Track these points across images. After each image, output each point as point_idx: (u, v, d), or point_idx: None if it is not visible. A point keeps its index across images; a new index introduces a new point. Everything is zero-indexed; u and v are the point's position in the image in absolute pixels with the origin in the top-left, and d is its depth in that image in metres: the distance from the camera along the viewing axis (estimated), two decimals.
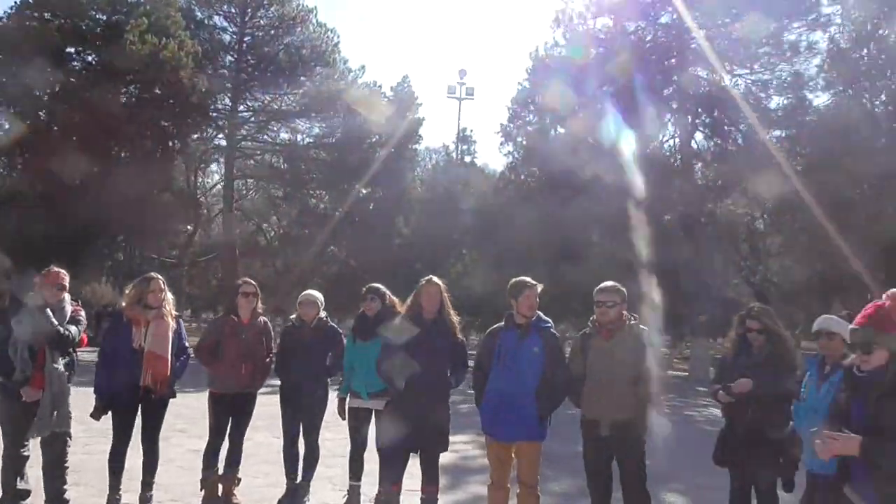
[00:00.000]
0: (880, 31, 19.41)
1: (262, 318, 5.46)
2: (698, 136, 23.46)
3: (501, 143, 26.69)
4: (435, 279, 4.79)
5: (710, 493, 5.51)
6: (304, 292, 5.71)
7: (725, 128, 22.15)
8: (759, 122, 20.07)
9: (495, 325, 4.67)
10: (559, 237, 20.84)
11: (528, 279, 4.58)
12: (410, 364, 4.57)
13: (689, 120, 22.66)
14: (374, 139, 29.17)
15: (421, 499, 4.64)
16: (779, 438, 4.38)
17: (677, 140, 23.08)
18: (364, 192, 28.08)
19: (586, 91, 23.09)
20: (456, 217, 26.25)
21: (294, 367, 5.34)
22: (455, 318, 4.76)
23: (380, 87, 30.84)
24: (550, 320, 4.58)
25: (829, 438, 2.81)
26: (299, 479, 5.43)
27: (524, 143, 26.29)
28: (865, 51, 19.49)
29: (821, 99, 20.61)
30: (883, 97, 18.85)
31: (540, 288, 4.53)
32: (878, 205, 18.05)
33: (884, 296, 3.09)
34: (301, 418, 5.42)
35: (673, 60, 23.10)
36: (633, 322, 4.37)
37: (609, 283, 4.46)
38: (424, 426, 4.48)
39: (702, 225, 21.77)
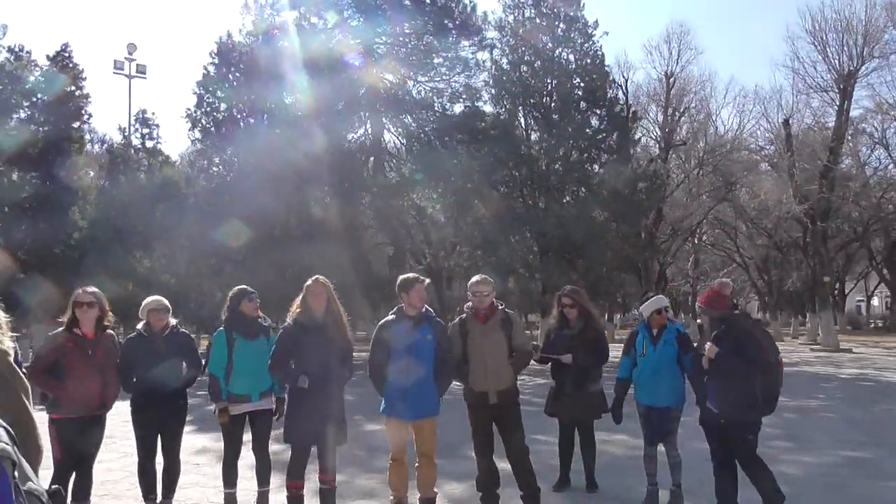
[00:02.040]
0: (527, 58, 23.74)
1: (109, 332, 4.93)
2: (388, 135, 25.55)
3: (190, 129, 25.25)
4: (321, 278, 5.00)
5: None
6: (153, 298, 5.28)
7: (412, 128, 24.57)
8: (443, 126, 22.95)
9: (386, 318, 5.11)
10: (256, 228, 20.88)
11: (417, 275, 5.12)
12: (307, 362, 4.77)
13: (380, 119, 24.60)
14: (23, 114, 24.97)
15: (320, 489, 4.86)
16: (597, 390, 5.82)
17: (369, 137, 24.77)
18: (16, 176, 23.87)
19: (275, 82, 23.34)
20: (142, 206, 24.00)
21: (148, 381, 4.97)
22: (344, 314, 5.05)
23: (28, 53, 26.47)
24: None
25: (709, 351, 4.66)
26: (159, 499, 5.08)
27: (212, 129, 25.32)
28: (518, 73, 23.57)
29: (488, 108, 24.30)
30: (534, 113, 23.09)
31: (427, 282, 5.12)
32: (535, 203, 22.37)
33: (716, 282, 5.18)
34: (159, 433, 5.07)
35: (358, 63, 24.72)
36: (501, 307, 5.25)
37: (482, 276, 5.27)
38: (323, 420, 4.73)
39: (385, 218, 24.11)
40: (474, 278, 5.28)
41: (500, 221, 22.28)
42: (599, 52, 23.55)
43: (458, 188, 22.40)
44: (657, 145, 30.66)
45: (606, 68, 23.77)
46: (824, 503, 5.38)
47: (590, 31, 23.52)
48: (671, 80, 30.55)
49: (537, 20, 23.82)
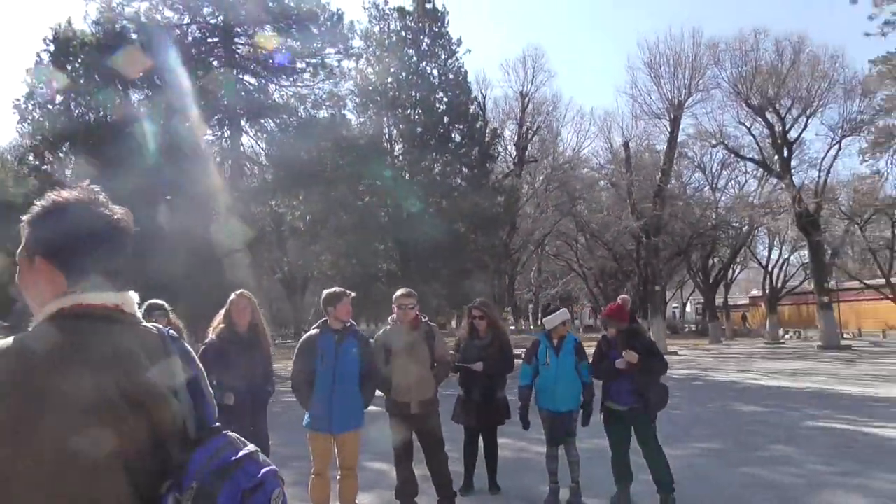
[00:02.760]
0: (392, 70, 24.10)
1: None
2: (246, 139, 24.71)
3: (19, 122, 22.84)
4: (245, 293, 4.92)
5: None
6: None
7: (272, 133, 23.97)
8: (307, 132, 22.60)
9: (310, 332, 5.10)
10: None
11: (343, 289, 5.17)
12: (232, 378, 4.68)
13: (239, 123, 23.74)
14: None
15: None
16: (502, 397, 6.18)
17: (227, 141, 23.82)
18: None
19: (119, 77, 21.81)
20: None
21: None
22: (267, 329, 4.99)
23: None
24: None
25: (629, 356, 5.34)
26: None
27: (46, 124, 23.07)
28: (383, 84, 23.86)
29: (353, 117, 24.34)
30: (400, 125, 23.49)
31: (353, 295, 5.19)
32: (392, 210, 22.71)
33: (619, 298, 5.89)
34: None
35: (217, 62, 23.72)
36: (424, 319, 5.43)
37: (407, 289, 5.42)
38: (250, 438, 4.65)
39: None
40: (399, 291, 5.44)
41: (364, 230, 22.39)
42: (462, 69, 24.49)
43: (321, 195, 22.20)
44: (512, 161, 32.31)
45: (468, 85, 24.71)
46: (697, 490, 6.10)
47: (453, 48, 24.38)
48: (526, 99, 32.41)
49: (402, 33, 24.29)
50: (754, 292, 61.27)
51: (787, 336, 42.27)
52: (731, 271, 46.58)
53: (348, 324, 5.09)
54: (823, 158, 30.17)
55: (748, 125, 30.03)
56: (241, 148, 24.65)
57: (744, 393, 13.74)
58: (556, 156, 33.97)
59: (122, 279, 1.42)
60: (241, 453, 1.32)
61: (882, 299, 40.11)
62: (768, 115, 28.79)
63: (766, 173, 33.52)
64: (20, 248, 1.39)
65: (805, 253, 39.91)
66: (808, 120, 29.05)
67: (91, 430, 1.17)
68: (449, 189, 23.26)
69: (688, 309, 67.77)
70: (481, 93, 29.82)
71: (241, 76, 23.89)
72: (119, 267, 1.42)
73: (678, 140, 30.26)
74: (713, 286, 43.35)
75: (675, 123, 29.13)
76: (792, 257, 44.60)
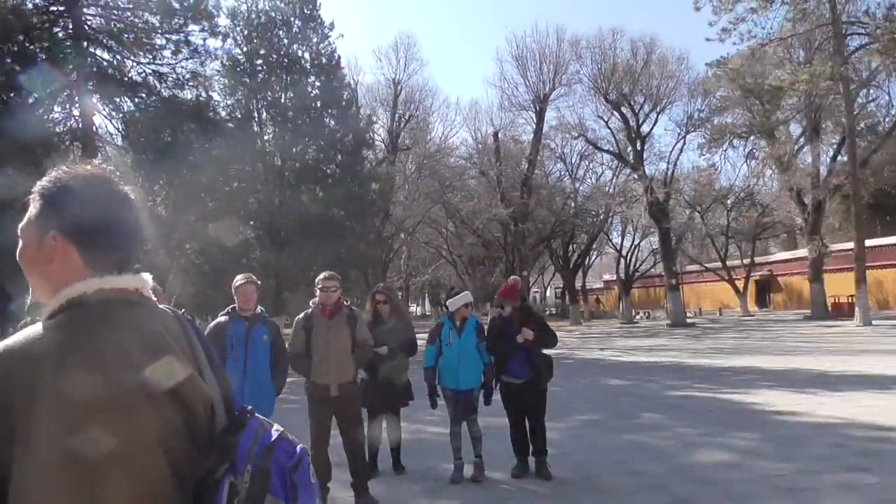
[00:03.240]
0: (262, 52, 23.25)
1: None
2: (100, 119, 22.83)
3: None
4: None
5: None
6: None
7: (129, 113, 22.32)
8: (167, 114, 21.25)
9: (219, 320, 4.92)
10: None
11: (248, 276, 5.02)
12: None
13: (90, 100, 21.87)
14: None
15: None
16: (405, 380, 6.29)
17: (78, 121, 21.88)
18: None
19: None
20: None
21: None
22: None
23: None
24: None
25: (526, 334, 5.67)
26: None
27: None
28: (252, 65, 22.96)
29: (219, 98, 23.19)
30: (271, 109, 22.72)
31: (256, 283, 5.05)
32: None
33: (511, 279, 6.28)
34: None
35: (63, 34, 21.71)
36: (347, 303, 5.41)
37: (330, 273, 5.39)
38: None
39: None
40: (322, 274, 5.41)
41: (235, 217, 21.53)
42: (335, 54, 24.09)
43: (186, 181, 21.03)
44: (385, 148, 32.31)
45: (342, 70, 24.36)
46: (587, 456, 6.55)
47: (326, 32, 23.91)
48: (399, 87, 32.49)
49: (272, 14, 23.46)
50: (607, 276, 65.68)
51: (638, 316, 45.68)
52: (588, 257, 49.57)
53: (258, 310, 4.98)
54: (671, 152, 32.91)
55: (606, 119, 32.09)
56: (94, 128, 22.75)
57: (609, 368, 14.78)
58: (428, 144, 34.40)
59: (135, 261, 1.36)
60: (275, 434, 1.31)
61: (718, 281, 44.52)
62: (624, 110, 30.90)
63: (621, 164, 35.98)
64: (25, 223, 1.29)
65: (653, 239, 43.40)
66: (658, 116, 31.57)
67: (136, 420, 1.13)
68: (323, 175, 22.89)
69: (548, 293, 71.44)
70: (353, 79, 29.53)
71: (91, 50, 22.01)
72: (134, 248, 1.36)
73: (543, 131, 31.67)
74: (573, 271, 45.89)
75: (540, 115, 30.49)
76: (642, 243, 48.29)
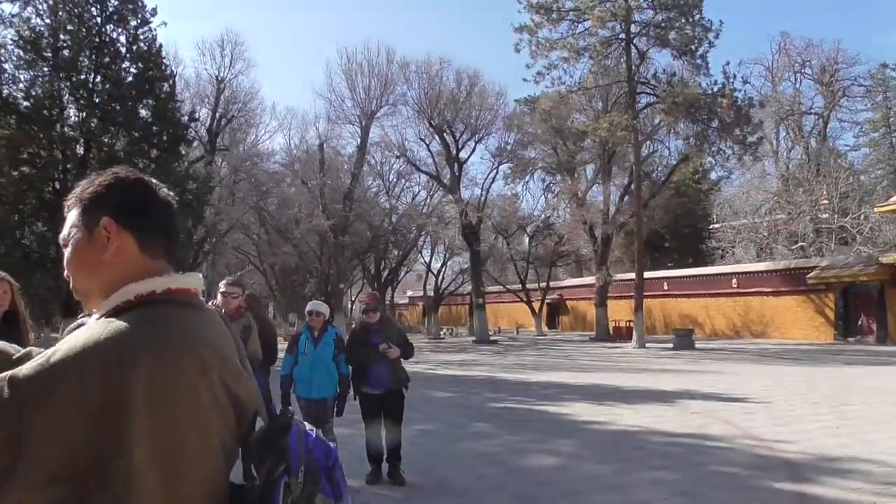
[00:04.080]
0: (70, 27, 21.05)
1: None
2: None
3: None
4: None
5: None
6: None
7: None
8: None
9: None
10: None
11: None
12: None
13: None
14: None
15: None
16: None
17: None
18: None
19: None
20: None
21: None
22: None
23: None
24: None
25: (389, 349, 5.90)
26: None
27: None
28: (56, 39, 20.69)
29: (13, 71, 20.51)
30: (77, 92, 20.55)
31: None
32: None
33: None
34: None
35: None
36: (245, 311, 5.31)
37: (234, 277, 5.27)
38: None
39: None
40: (227, 279, 5.34)
41: (23, 206, 19.17)
42: (156, 42, 22.48)
43: None
44: (204, 147, 30.62)
45: (162, 59, 22.79)
46: (432, 462, 6.92)
47: (147, 16, 22.24)
48: (222, 84, 31.02)
49: None
50: (410, 293, 67.61)
51: (443, 332, 47.54)
52: (398, 273, 50.71)
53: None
54: (485, 179, 35.06)
55: (427, 142, 33.37)
56: None
57: (430, 381, 15.41)
58: (248, 147, 33.24)
59: (177, 249, 1.35)
60: (312, 434, 1.34)
61: (516, 302, 47.89)
62: (446, 136, 32.38)
63: (436, 187, 37.57)
64: (67, 229, 1.26)
65: (458, 259, 45.64)
66: (476, 144, 33.48)
67: (210, 422, 1.15)
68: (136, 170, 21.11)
69: (354, 307, 71.83)
70: (172, 70, 27.68)
71: None
72: (178, 235, 1.35)
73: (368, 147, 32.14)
74: (384, 286, 46.65)
75: (365, 131, 30.92)
76: (449, 262, 50.52)
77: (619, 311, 38.45)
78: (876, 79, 58.81)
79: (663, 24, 25.22)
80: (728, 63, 26.92)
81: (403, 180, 40.40)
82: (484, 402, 11.75)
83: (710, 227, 50.53)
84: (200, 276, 1.35)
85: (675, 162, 32.48)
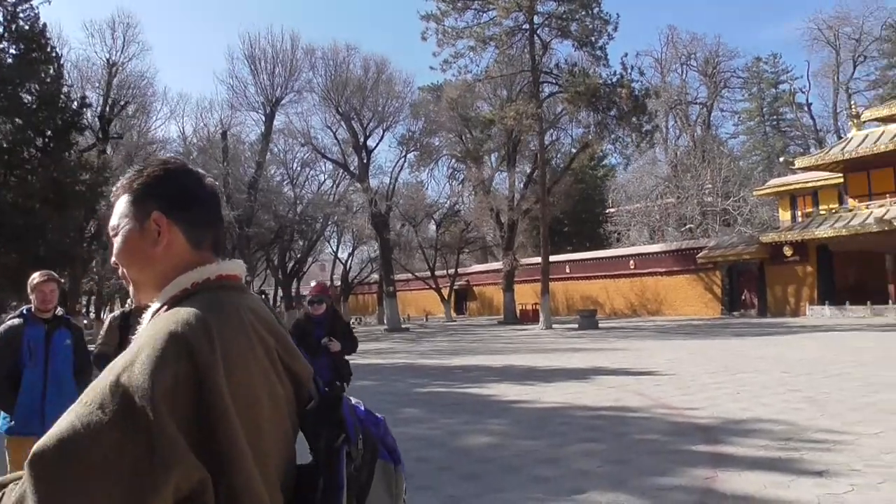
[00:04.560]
0: None
1: None
2: None
3: None
4: None
5: None
6: None
7: None
8: None
9: (11, 322, 4.31)
10: None
11: (48, 272, 4.46)
12: None
13: None
14: None
15: None
16: None
17: None
18: None
19: None
20: None
21: None
22: None
23: None
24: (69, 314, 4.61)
25: (330, 342, 5.94)
26: None
27: None
28: None
29: None
30: None
31: (62, 281, 4.54)
32: None
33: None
34: None
35: None
36: (64, 314, 5.01)
37: (47, 271, 4.72)
38: None
39: None
40: (37, 274, 4.41)
41: None
42: (39, 21, 20.94)
43: None
44: (95, 135, 28.77)
45: (48, 41, 21.26)
46: None
47: None
48: (114, 69, 29.20)
49: None
50: (313, 283, 66.62)
51: (353, 322, 47.32)
52: (304, 264, 49.86)
53: (59, 312, 4.49)
54: (393, 167, 35.05)
55: (334, 130, 32.93)
56: None
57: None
58: (142, 134, 31.57)
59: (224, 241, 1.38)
60: (361, 406, 1.40)
61: (425, 289, 48.34)
62: (353, 124, 32.08)
63: (343, 175, 37.18)
64: (117, 219, 1.27)
65: (365, 248, 45.46)
66: (384, 132, 33.38)
67: (277, 390, 1.22)
68: (19, 160, 19.69)
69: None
70: (58, 52, 25.81)
71: None
72: (223, 228, 1.38)
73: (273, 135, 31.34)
74: (289, 277, 45.75)
75: (270, 118, 30.14)
76: (356, 252, 50.21)
77: (525, 295, 39.67)
78: (751, 71, 63.40)
79: (565, 15, 26.10)
80: (626, 55, 28.10)
81: (308, 169, 39.71)
82: (409, 388, 11.92)
83: (607, 211, 52.98)
84: (243, 262, 1.39)
85: (574, 149, 33.73)
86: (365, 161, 32.59)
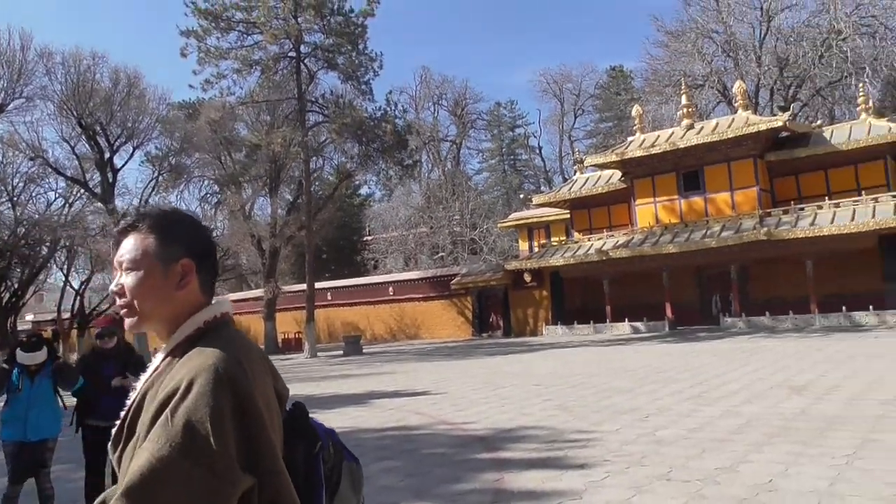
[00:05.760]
0: None
1: None
2: None
3: None
4: None
5: None
6: None
7: None
8: None
9: None
10: None
11: None
12: None
13: None
14: None
15: None
16: None
17: None
18: None
19: None
20: None
21: None
22: None
23: None
24: None
25: (124, 379, 5.46)
26: None
27: None
28: None
29: None
30: None
31: None
32: None
33: (111, 310, 6.48)
34: None
35: None
36: None
37: None
38: None
39: None
40: None
41: None
42: None
43: None
44: None
45: None
46: None
47: None
48: None
49: None
50: (30, 317, 58.14)
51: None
52: (23, 295, 43.28)
53: None
54: (144, 188, 32.35)
55: (73, 144, 29.50)
56: None
57: None
58: None
59: None
60: (318, 419, 1.63)
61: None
62: (99, 139, 29.07)
63: (79, 193, 33.30)
64: (141, 254, 1.39)
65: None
66: (134, 150, 30.72)
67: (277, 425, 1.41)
68: None
69: None
70: None
71: None
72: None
73: None
74: (6, 312, 39.36)
75: None
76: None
77: (286, 324, 39.02)
78: (493, 115, 70.22)
79: (332, 48, 26.70)
80: (391, 92, 29.50)
81: (33, 185, 34.79)
82: None
83: (364, 239, 54.52)
84: (230, 300, 1.61)
85: (337, 178, 34.31)
86: (111, 180, 29.65)
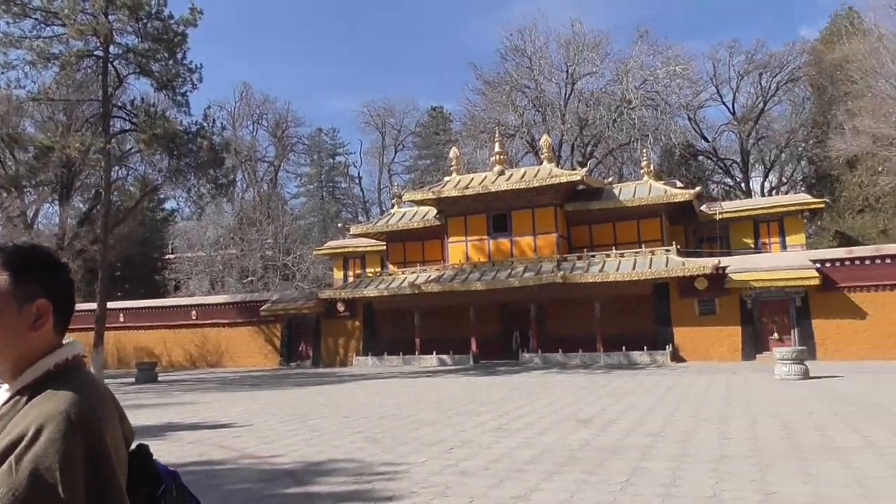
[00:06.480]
0: None
1: None
2: None
3: None
4: None
5: None
6: None
7: None
8: None
9: None
10: None
11: None
12: None
13: None
14: None
15: None
16: None
17: None
18: None
19: None
20: None
21: None
22: None
23: None
24: None
25: None
26: None
27: None
28: None
29: None
30: None
31: None
32: None
33: None
34: None
35: None
36: None
37: None
38: None
39: None
40: None
41: None
42: None
43: None
44: None
45: None
46: None
47: None
48: None
49: None
50: None
51: None
52: None
53: None
54: None
55: None
56: None
57: None
58: None
59: None
60: (160, 461, 1.66)
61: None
62: None
63: None
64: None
65: None
66: None
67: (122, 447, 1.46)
68: None
69: None
70: None
71: None
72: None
73: None
74: None
75: None
76: None
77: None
78: (314, 140, 69.75)
79: (147, 53, 24.96)
80: (209, 107, 28.07)
81: None
82: None
83: (166, 257, 50.91)
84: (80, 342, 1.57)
85: (140, 190, 31.90)
86: None
